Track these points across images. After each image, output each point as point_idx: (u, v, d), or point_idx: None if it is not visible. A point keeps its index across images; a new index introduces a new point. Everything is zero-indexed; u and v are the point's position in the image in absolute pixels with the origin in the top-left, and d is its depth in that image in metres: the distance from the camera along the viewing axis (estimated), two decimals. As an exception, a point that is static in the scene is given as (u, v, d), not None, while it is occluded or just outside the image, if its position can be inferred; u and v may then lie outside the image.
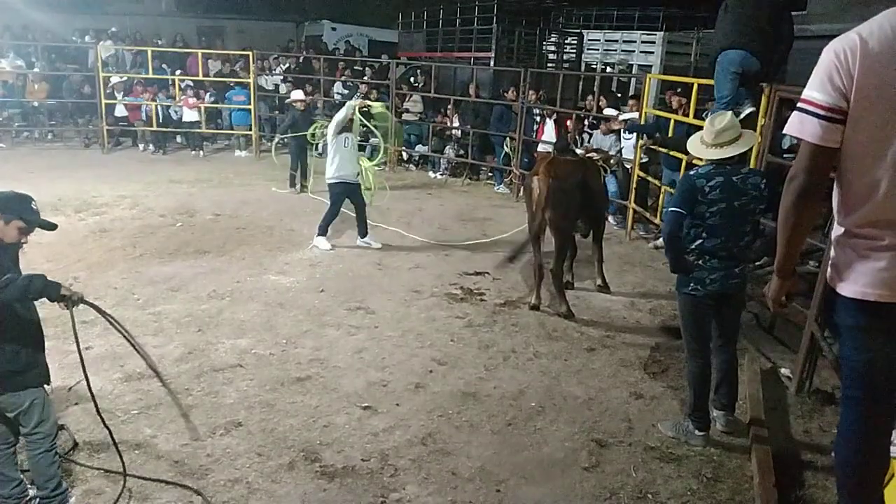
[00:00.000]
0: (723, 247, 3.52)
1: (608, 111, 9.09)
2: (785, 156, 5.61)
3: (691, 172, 3.66)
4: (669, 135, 7.22)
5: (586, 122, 10.26)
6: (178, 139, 12.96)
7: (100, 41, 13.75)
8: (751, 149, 4.37)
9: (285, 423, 3.72)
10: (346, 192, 7.01)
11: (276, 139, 11.22)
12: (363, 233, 7.15)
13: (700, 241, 3.55)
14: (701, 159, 3.76)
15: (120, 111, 12.41)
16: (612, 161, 6.48)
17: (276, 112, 13.45)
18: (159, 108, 12.35)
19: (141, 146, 12.63)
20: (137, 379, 4.11)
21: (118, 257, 6.42)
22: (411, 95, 12.38)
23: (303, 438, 3.58)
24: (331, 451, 3.49)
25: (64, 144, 12.77)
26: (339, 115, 6.93)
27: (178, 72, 13.25)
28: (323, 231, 7.03)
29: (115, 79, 12.37)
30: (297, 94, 10.23)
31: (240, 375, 4.24)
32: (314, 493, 3.16)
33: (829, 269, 2.30)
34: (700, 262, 3.57)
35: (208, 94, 12.75)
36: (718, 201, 3.47)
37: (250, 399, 3.96)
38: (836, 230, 2.24)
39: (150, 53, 12.64)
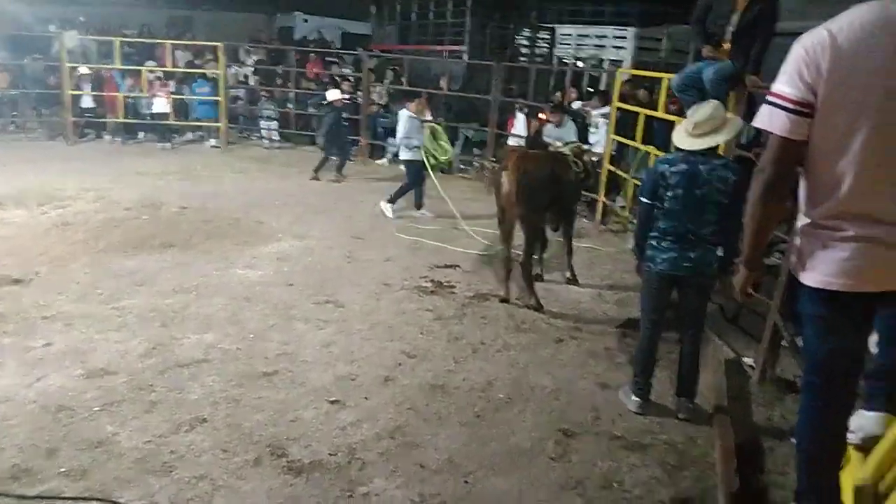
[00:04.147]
0: (677, 231, 3.68)
1: (576, 104, 9.13)
2: (741, 148, 5.67)
3: (659, 158, 3.77)
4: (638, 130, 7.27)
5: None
6: (140, 135, 12.60)
7: (64, 31, 13.39)
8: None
9: (252, 419, 3.67)
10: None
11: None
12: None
13: (657, 221, 3.74)
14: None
15: (86, 102, 12.12)
16: (584, 158, 6.29)
17: (250, 105, 13.28)
18: (128, 99, 12.10)
19: (108, 137, 12.35)
20: (100, 375, 4.03)
21: (81, 251, 6.27)
22: (376, 87, 12.29)
23: (269, 433, 3.54)
24: (298, 445, 3.45)
25: (26, 136, 12.44)
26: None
27: (148, 62, 12.96)
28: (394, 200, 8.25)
29: (82, 69, 12.08)
30: (333, 94, 10.43)
31: (205, 371, 4.18)
32: (280, 488, 3.13)
33: (793, 259, 2.33)
34: (655, 241, 3.77)
35: (171, 83, 12.44)
36: (676, 187, 3.62)
37: (216, 394, 3.90)
38: (802, 220, 2.27)
39: (117, 44, 12.36)
